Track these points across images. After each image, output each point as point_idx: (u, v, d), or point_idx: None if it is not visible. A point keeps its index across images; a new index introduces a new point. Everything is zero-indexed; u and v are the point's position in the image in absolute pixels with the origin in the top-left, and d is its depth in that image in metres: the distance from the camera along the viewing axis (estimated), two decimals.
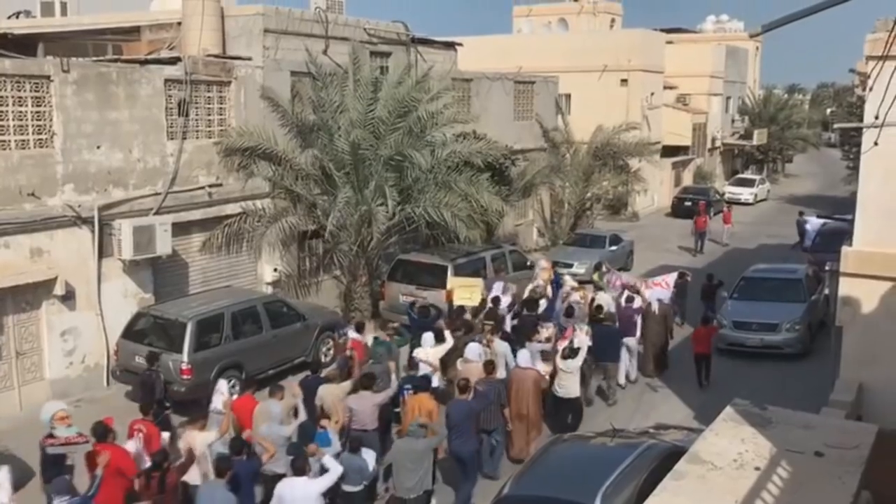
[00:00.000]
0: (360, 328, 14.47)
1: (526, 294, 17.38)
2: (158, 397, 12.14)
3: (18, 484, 10.68)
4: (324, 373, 13.00)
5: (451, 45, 25.04)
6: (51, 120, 14.33)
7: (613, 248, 25.38)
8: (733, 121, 52.46)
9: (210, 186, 17.16)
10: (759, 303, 18.35)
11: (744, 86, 54.53)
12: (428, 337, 13.78)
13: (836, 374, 11.37)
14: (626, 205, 36.07)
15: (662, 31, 42.51)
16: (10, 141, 13.85)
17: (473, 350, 13.16)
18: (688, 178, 44.33)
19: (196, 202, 16.91)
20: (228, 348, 14.41)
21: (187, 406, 13.15)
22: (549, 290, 18.14)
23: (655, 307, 16.75)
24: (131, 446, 9.85)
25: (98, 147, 15.01)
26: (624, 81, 36.46)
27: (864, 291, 10.67)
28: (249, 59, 17.99)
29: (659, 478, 7.13)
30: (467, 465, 11.18)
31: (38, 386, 14.51)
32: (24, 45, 18.52)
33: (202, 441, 9.85)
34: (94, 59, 16.92)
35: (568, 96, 34.98)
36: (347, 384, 11.87)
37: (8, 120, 13.79)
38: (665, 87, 40.67)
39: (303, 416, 10.96)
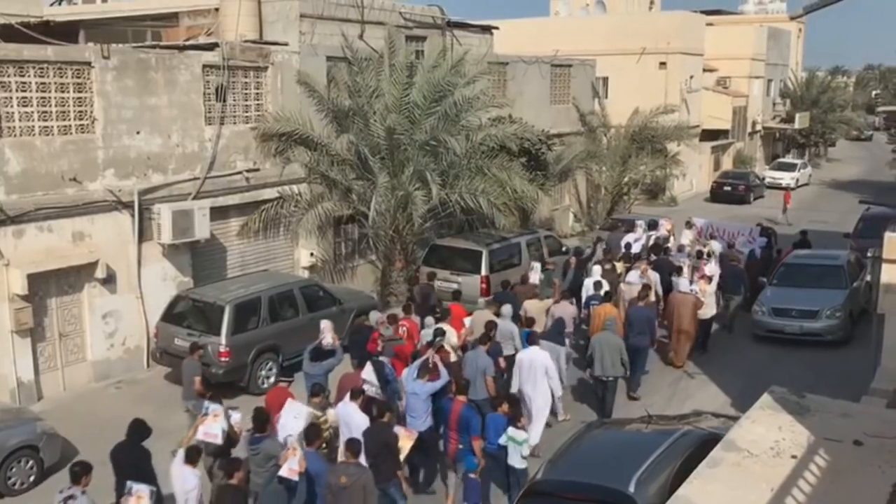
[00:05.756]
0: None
1: (652, 242, 20.42)
2: (432, 303, 15.38)
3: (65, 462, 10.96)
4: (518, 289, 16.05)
5: (487, 29, 24.91)
6: (92, 106, 14.55)
7: (651, 233, 25.09)
8: (775, 104, 51.52)
9: (247, 171, 17.33)
10: (798, 289, 17.98)
11: (786, 68, 53.47)
12: (597, 269, 17.00)
13: (878, 363, 11.19)
14: (664, 189, 35.63)
15: (703, 12, 41.78)
16: (52, 127, 14.10)
17: (634, 275, 16.72)
18: (727, 163, 43.72)
19: (234, 187, 17.10)
20: (265, 331, 14.58)
21: (223, 389, 13.35)
22: (672, 241, 21.08)
23: (758, 252, 20.56)
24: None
25: (138, 132, 15.23)
26: (663, 64, 35.99)
27: None
28: (286, 44, 18.09)
29: (694, 465, 7.06)
30: (641, 355, 14.45)
31: (81, 367, 14.83)
32: (65, 32, 18.75)
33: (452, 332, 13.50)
34: (134, 45, 17.10)
35: (605, 80, 34.62)
36: (550, 301, 15.36)
37: (50, 106, 14.03)
38: (705, 70, 40.05)
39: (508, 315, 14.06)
